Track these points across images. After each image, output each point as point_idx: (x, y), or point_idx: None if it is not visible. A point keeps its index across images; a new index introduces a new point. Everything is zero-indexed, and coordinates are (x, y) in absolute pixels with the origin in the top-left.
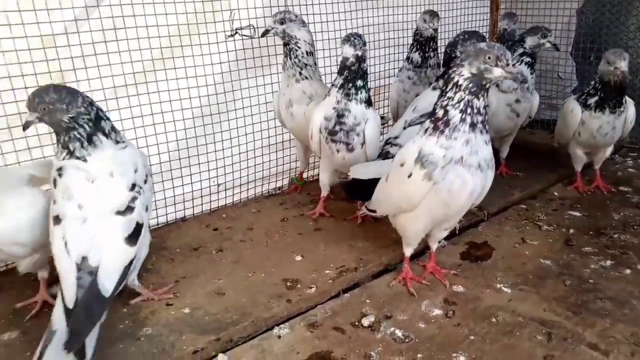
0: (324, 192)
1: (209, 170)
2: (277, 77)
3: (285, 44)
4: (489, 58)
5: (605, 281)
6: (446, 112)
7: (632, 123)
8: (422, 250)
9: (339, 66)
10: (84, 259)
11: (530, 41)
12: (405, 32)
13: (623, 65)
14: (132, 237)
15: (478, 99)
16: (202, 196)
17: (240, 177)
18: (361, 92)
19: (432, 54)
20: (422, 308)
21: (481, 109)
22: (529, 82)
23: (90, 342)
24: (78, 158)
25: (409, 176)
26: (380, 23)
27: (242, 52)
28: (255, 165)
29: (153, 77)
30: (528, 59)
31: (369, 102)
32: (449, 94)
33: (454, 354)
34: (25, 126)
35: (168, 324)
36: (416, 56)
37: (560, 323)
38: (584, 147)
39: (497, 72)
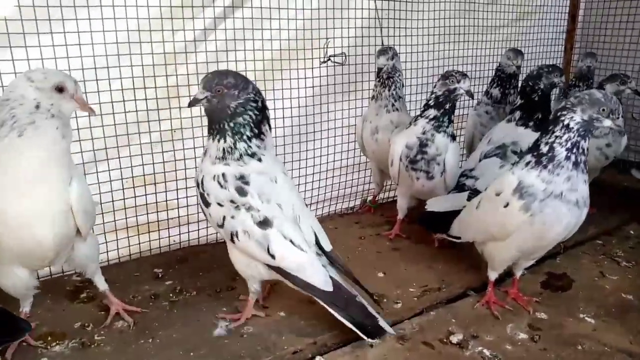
0: (401, 215)
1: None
2: (361, 102)
3: (388, 77)
4: (603, 110)
5: None
6: (552, 148)
7: None
8: (503, 277)
9: (438, 99)
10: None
11: (610, 88)
12: (481, 66)
13: None
14: None
15: (585, 140)
16: None
17: (318, 195)
18: (450, 126)
19: (512, 91)
20: (507, 331)
21: (585, 150)
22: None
23: None
24: (252, 156)
25: (506, 206)
26: (460, 56)
27: (333, 78)
28: (333, 184)
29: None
30: None
31: (453, 137)
32: (557, 133)
33: None
34: (193, 103)
35: (267, 324)
36: (496, 92)
37: None
38: None
39: (607, 123)
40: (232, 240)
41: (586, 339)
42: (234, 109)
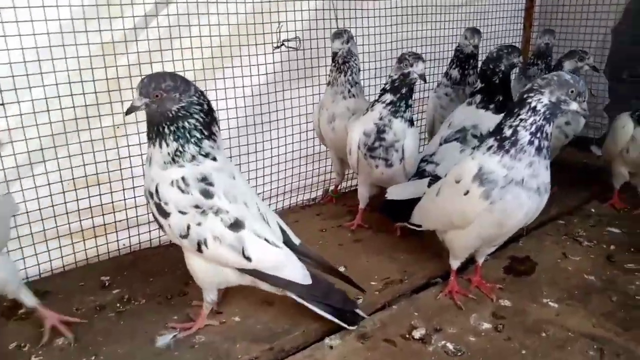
0: (362, 204)
1: (247, 180)
2: (317, 89)
3: (344, 62)
4: (572, 92)
5: None
6: (516, 132)
7: None
8: (466, 264)
9: (393, 83)
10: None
11: (568, 65)
12: (441, 47)
13: None
14: None
15: (549, 125)
16: None
17: (277, 187)
18: (408, 111)
19: (471, 72)
20: (470, 322)
21: (549, 135)
22: None
23: None
24: (206, 156)
25: (466, 193)
26: (418, 37)
27: (287, 64)
28: (292, 175)
29: (202, 87)
30: None
31: (412, 122)
32: (522, 116)
33: None
34: (131, 110)
35: (220, 331)
36: (455, 73)
37: (611, 339)
38: (629, 166)
39: (574, 106)
40: (200, 250)
41: (550, 324)
42: (176, 112)
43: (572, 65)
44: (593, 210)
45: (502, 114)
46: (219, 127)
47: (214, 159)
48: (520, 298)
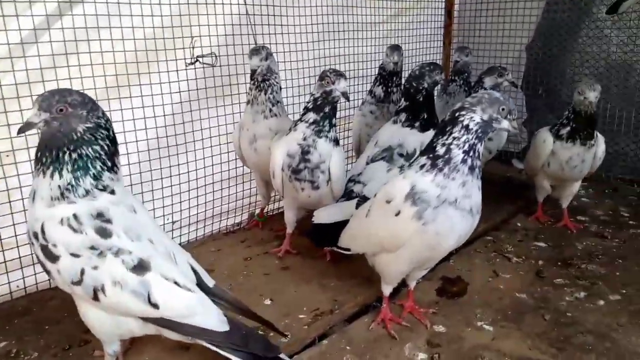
0: (289, 229)
1: (163, 207)
2: (237, 107)
3: (264, 80)
4: (503, 110)
5: (582, 314)
6: (449, 150)
7: (601, 159)
8: (398, 287)
9: (316, 101)
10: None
11: (488, 81)
12: (364, 64)
13: (591, 95)
14: None
15: (480, 144)
16: None
17: (197, 214)
18: (333, 130)
19: (394, 89)
20: (405, 352)
21: (480, 155)
22: None
23: None
24: (104, 189)
25: (397, 214)
26: (341, 54)
27: (203, 81)
28: (213, 200)
29: (106, 107)
30: None
31: (337, 141)
32: (455, 134)
33: None
34: (25, 128)
35: None
36: (379, 90)
37: None
38: (551, 179)
39: (505, 124)
40: (96, 298)
41: (486, 350)
42: (82, 134)
43: (492, 82)
44: (519, 224)
45: (427, 132)
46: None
47: (112, 192)
48: (455, 322)
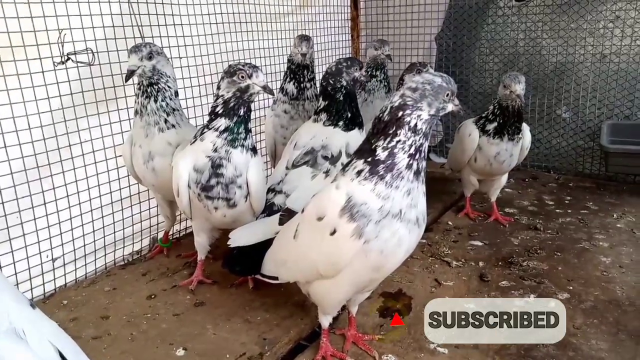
0: (201, 256)
1: (38, 242)
2: (125, 113)
3: (152, 84)
4: (447, 95)
5: None
6: (392, 154)
7: (527, 150)
8: (337, 315)
9: (227, 104)
10: None
11: (409, 79)
12: (273, 59)
13: (518, 88)
14: None
15: (427, 140)
16: (30, 278)
17: (84, 245)
18: (249, 137)
19: (308, 85)
20: None
21: (425, 154)
22: None
23: None
24: None
25: (332, 233)
26: (246, 49)
27: (78, 84)
28: (103, 227)
29: None
30: None
31: (254, 150)
32: (401, 137)
33: None
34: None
35: None
36: (291, 87)
37: None
38: (478, 174)
39: (450, 107)
40: None
41: None
42: None
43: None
44: (450, 222)
45: (352, 132)
46: None
47: None
48: (406, 348)
